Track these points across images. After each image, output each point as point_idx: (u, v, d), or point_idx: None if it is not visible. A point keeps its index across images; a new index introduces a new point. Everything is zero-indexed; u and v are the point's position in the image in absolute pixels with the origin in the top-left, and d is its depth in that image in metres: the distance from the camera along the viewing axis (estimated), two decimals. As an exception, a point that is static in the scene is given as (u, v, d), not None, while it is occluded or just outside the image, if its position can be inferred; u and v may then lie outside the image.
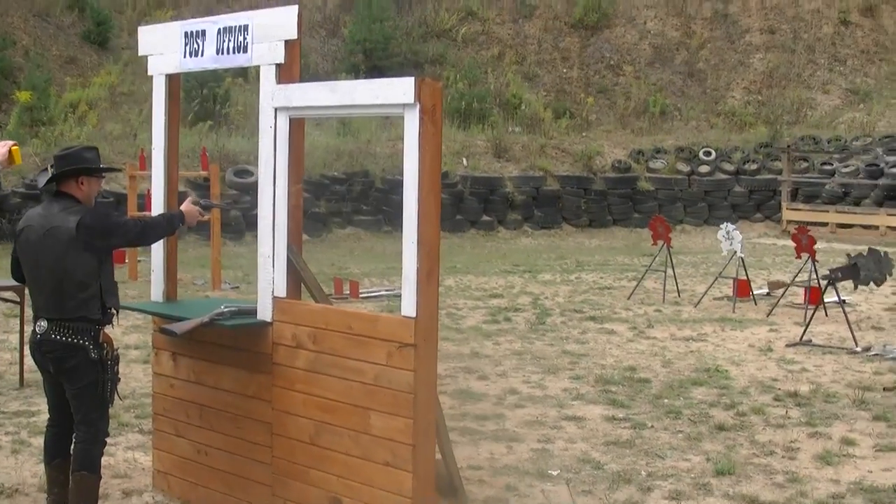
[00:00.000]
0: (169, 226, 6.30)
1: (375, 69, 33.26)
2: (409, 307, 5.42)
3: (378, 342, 5.56)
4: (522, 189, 28.89)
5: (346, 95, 5.63)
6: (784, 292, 15.44)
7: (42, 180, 6.05)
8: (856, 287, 13.61)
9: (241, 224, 23.66)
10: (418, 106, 5.30)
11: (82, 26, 31.98)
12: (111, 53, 31.46)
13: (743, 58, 37.23)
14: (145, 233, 6.20)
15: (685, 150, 31.31)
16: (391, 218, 26.61)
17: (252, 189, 24.62)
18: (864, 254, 13.10)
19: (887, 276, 13.21)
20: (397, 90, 5.37)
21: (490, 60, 36.26)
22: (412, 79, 5.32)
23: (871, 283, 13.14)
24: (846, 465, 7.97)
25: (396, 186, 26.94)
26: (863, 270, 12.90)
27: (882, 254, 13.16)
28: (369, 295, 16.17)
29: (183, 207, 6.39)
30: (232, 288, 16.86)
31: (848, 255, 13.65)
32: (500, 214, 28.19)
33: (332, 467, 5.82)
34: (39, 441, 8.04)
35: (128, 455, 7.71)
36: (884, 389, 10.34)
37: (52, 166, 6.01)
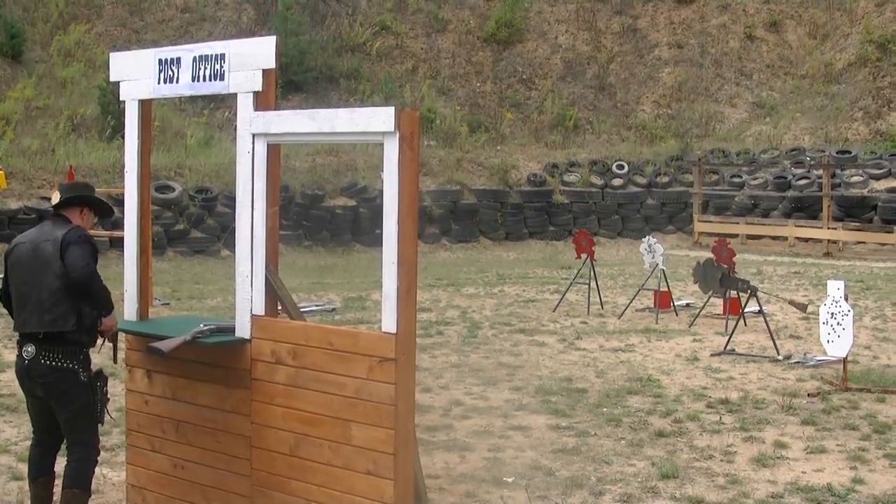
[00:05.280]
0: (106, 302, 6.19)
1: (291, 84, 33.33)
2: (389, 323, 5.70)
3: (359, 357, 5.83)
4: (440, 203, 29.21)
5: (326, 123, 5.89)
6: (705, 304, 15.96)
7: (54, 200, 6.30)
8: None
9: (163, 239, 23.59)
10: (398, 134, 5.59)
11: (-6, 39, 31.57)
12: (25, 67, 31.12)
13: (652, 72, 38.01)
14: (96, 279, 6.04)
15: (598, 163, 31.92)
16: (311, 232, 26.79)
17: (174, 204, 24.62)
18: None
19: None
20: (378, 119, 5.65)
21: (404, 74, 36.54)
22: (392, 108, 5.61)
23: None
24: (781, 466, 8.42)
25: (316, 201, 27.14)
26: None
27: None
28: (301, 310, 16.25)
29: (107, 322, 6.35)
30: (162, 304, 16.89)
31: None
32: (418, 228, 28.22)
33: (312, 477, 6.07)
34: (2, 460, 8.19)
35: (94, 471, 7.84)
36: (808, 395, 10.85)
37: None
